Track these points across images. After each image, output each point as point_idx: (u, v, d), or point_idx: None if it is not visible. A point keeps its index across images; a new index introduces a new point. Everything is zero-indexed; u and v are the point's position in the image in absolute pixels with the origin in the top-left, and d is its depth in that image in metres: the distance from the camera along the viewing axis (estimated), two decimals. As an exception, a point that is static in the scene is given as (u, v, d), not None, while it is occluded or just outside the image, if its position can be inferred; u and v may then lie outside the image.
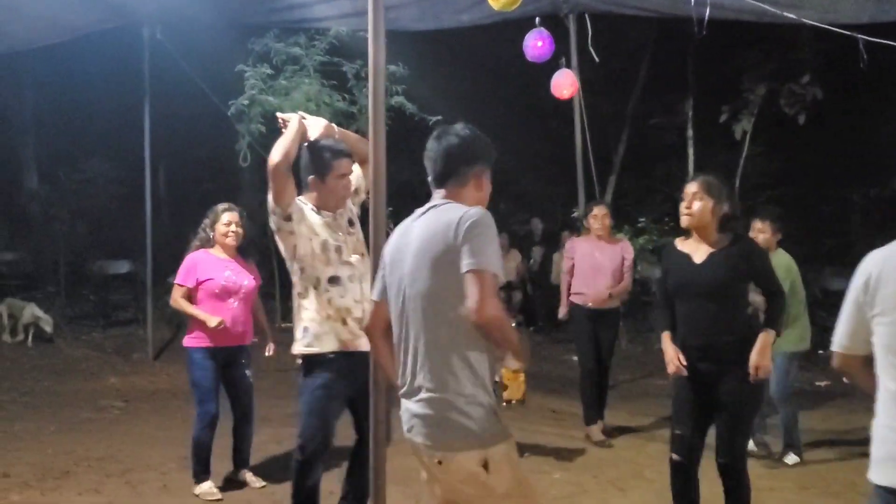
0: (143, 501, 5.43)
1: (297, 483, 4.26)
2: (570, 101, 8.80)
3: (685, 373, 4.40)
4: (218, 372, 5.56)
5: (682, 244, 4.57)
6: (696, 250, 4.46)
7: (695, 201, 4.38)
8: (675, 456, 4.51)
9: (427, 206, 3.02)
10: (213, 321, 5.38)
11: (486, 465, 2.78)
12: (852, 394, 8.13)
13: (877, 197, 13.28)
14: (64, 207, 14.59)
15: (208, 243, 5.67)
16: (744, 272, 4.41)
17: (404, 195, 8.84)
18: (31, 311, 11.12)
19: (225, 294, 5.52)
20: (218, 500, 5.42)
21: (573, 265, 7.18)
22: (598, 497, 5.66)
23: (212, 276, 5.52)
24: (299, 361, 4.24)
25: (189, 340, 5.58)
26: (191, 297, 5.55)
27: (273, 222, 4.19)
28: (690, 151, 11.81)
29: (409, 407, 2.94)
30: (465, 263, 2.73)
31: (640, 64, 12.66)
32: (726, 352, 4.36)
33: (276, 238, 4.23)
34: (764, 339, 4.32)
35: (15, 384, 8.89)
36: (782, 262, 6.12)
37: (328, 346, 4.17)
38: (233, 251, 5.67)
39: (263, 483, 5.69)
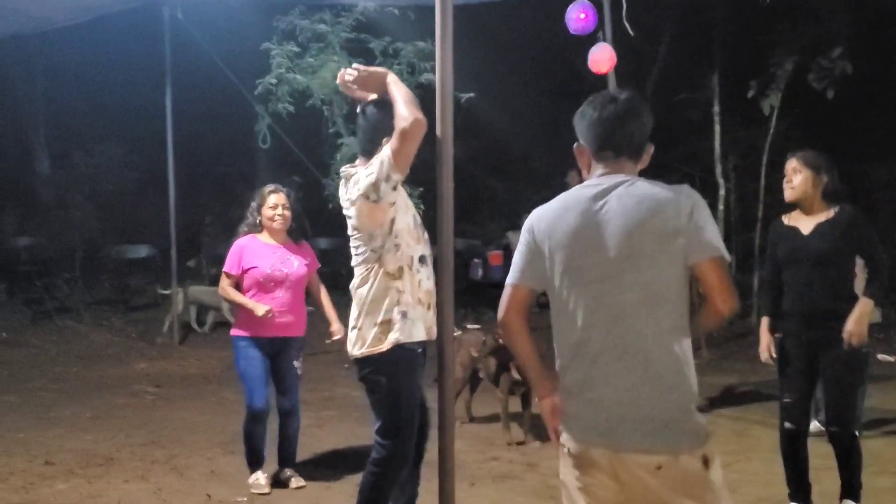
0: (192, 488, 5.30)
1: (375, 496, 3.90)
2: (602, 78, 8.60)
3: (771, 362, 4.54)
4: (265, 362, 5.25)
5: (787, 219, 4.64)
6: (803, 223, 4.53)
7: (795, 175, 4.48)
8: (787, 424, 4.54)
9: (604, 182, 2.60)
10: (260, 310, 5.10)
11: (706, 462, 2.46)
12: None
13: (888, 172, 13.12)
14: (78, 192, 14.46)
15: (256, 228, 5.34)
16: (850, 242, 4.43)
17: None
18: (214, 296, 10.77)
19: (270, 283, 5.21)
20: (265, 493, 5.16)
21: None
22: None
23: (256, 263, 5.21)
24: (384, 349, 3.75)
25: (235, 329, 5.34)
26: (238, 285, 5.27)
27: (380, 191, 3.62)
28: (717, 128, 11.63)
29: (607, 408, 2.51)
30: (705, 249, 2.47)
31: (662, 39, 12.49)
32: (833, 320, 4.37)
33: (363, 210, 3.66)
34: (861, 306, 4.33)
35: (44, 371, 8.79)
36: None
37: (419, 334, 3.78)
38: (282, 236, 5.33)
39: (303, 483, 5.32)
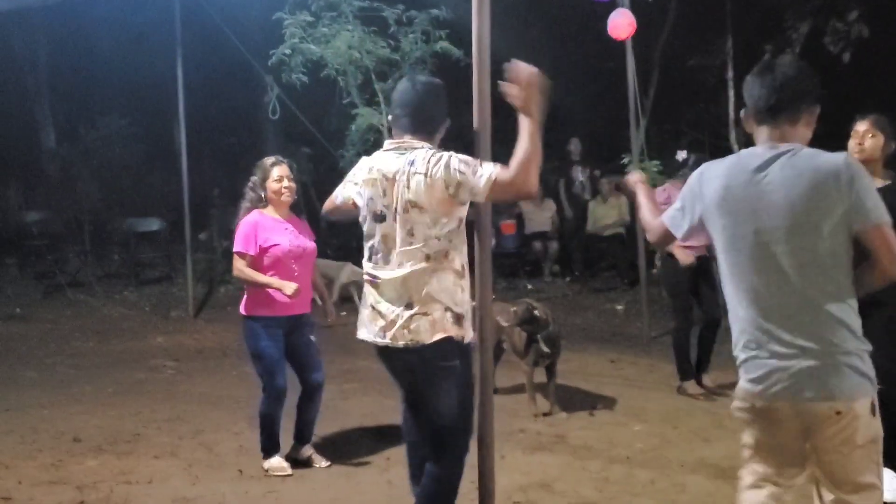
0: (223, 463, 5.28)
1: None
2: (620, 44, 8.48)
3: None
4: (282, 342, 5.10)
5: None
6: None
7: (867, 137, 4.47)
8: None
9: (767, 153, 2.77)
10: (289, 287, 4.90)
11: (873, 409, 2.72)
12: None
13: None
14: (85, 166, 14.38)
15: (260, 203, 5.11)
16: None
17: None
18: (350, 270, 10.54)
19: (290, 259, 5.03)
20: (288, 475, 5.06)
21: None
22: (684, 448, 5.52)
23: (277, 241, 5.01)
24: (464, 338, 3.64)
25: (249, 308, 5.09)
26: (254, 265, 5.03)
27: (461, 193, 3.43)
28: (731, 93, 11.53)
29: (786, 365, 2.73)
30: (868, 217, 2.68)
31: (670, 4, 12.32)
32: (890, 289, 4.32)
33: (435, 193, 3.42)
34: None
35: (60, 347, 8.75)
36: None
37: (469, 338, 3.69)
38: (287, 210, 5.16)
39: (328, 462, 5.24)
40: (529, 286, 11.80)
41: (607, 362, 7.92)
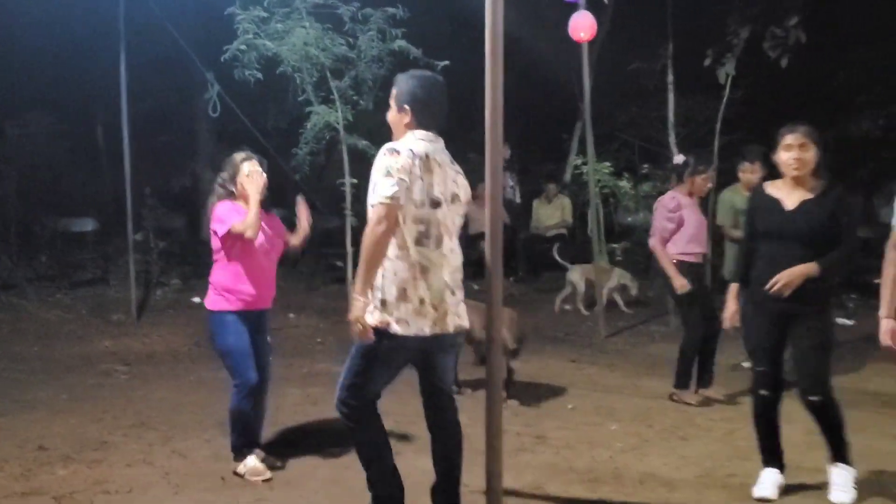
0: (201, 471, 5.09)
1: None
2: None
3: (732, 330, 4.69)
4: (248, 336, 4.95)
5: (771, 188, 4.63)
6: (788, 196, 4.52)
7: (803, 150, 4.44)
8: (763, 391, 4.64)
9: None
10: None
11: None
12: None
13: (832, 139, 13.47)
14: (8, 164, 13.80)
15: (231, 197, 4.96)
16: (834, 225, 4.44)
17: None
18: (618, 274, 10.21)
19: (259, 254, 4.94)
20: (268, 479, 4.90)
21: (682, 223, 6.56)
22: (664, 447, 5.59)
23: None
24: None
25: (217, 302, 4.95)
26: (224, 250, 4.91)
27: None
28: (671, 96, 11.69)
29: None
30: None
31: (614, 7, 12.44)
32: (810, 295, 4.42)
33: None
34: (807, 267, 4.40)
35: (3, 351, 8.36)
36: None
37: None
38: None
39: (281, 463, 5.13)
40: (476, 286, 11.75)
41: (568, 362, 7.97)
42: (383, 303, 3.80)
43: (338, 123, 8.68)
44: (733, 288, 4.78)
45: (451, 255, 3.96)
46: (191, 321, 9.61)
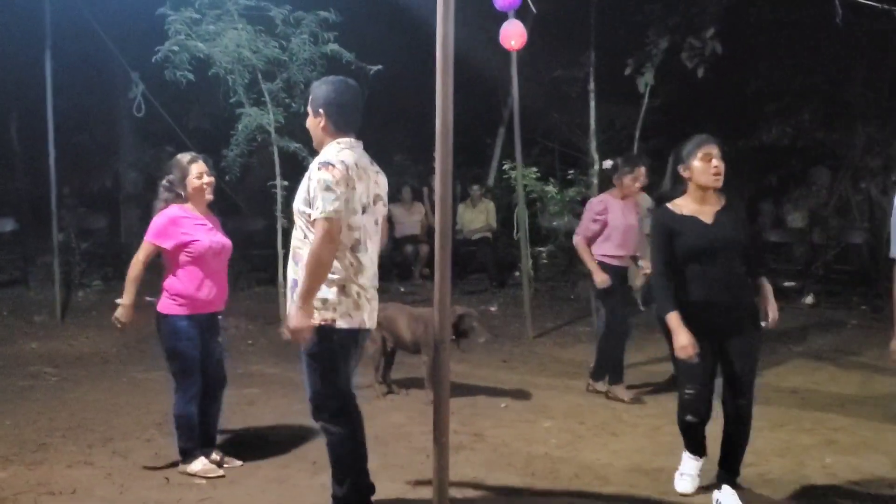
0: (144, 471, 5.12)
1: None
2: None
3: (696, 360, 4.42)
4: (200, 340, 5.01)
5: (678, 206, 4.56)
6: (700, 211, 4.53)
7: (720, 162, 4.49)
8: (690, 417, 4.61)
9: None
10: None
11: None
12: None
13: (744, 147, 13.98)
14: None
15: (178, 200, 4.99)
16: (746, 230, 4.62)
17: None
18: (643, 275, 9.79)
19: (210, 256, 4.97)
20: (220, 475, 4.97)
21: (606, 226, 6.78)
22: (596, 442, 5.80)
23: (197, 237, 4.93)
24: None
25: (170, 307, 4.95)
26: (172, 259, 4.96)
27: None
28: (592, 104, 12.01)
29: None
30: None
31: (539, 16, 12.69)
32: (746, 308, 4.56)
33: None
34: (770, 292, 4.66)
35: (-77, 354, 8.17)
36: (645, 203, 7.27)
37: None
38: (206, 207, 5.10)
39: (240, 462, 5.20)
40: (402, 289, 11.91)
41: (500, 363, 8.14)
42: (324, 301, 3.97)
43: (269, 126, 8.71)
44: (675, 317, 4.42)
45: (373, 256, 4.17)
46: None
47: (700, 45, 11.15)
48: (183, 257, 4.96)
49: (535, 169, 10.95)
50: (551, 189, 10.93)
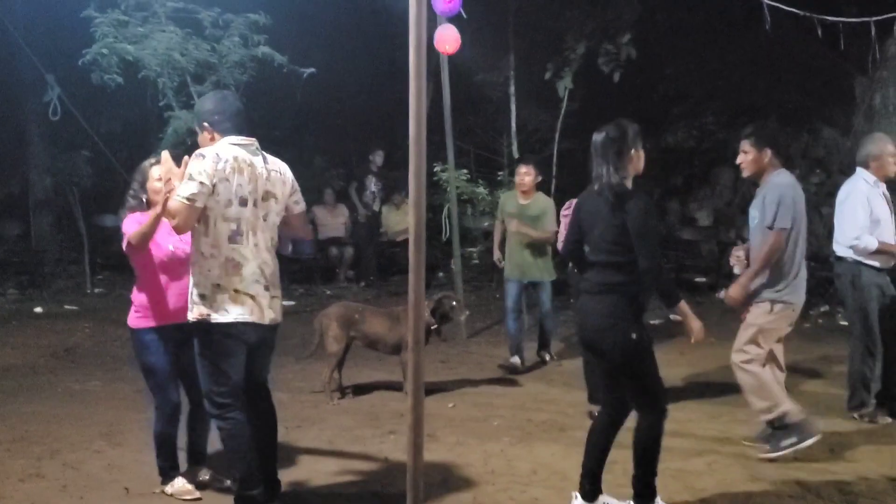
0: (100, 482, 5.02)
1: None
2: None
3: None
4: (172, 354, 4.79)
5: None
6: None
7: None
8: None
9: None
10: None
11: None
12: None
13: (651, 149, 14.44)
14: None
15: (142, 207, 4.81)
16: None
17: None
18: None
19: (174, 262, 4.76)
20: (197, 498, 4.79)
21: None
22: (547, 438, 5.96)
23: (160, 241, 4.70)
24: None
25: (136, 320, 4.76)
26: (137, 263, 4.78)
27: None
28: (513, 107, 12.23)
29: None
30: None
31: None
32: None
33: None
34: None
35: None
36: (545, 202, 7.95)
37: None
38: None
39: (230, 481, 4.78)
40: (328, 292, 11.90)
41: (438, 363, 8.22)
42: (202, 297, 4.20)
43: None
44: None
45: (260, 251, 4.31)
46: (40, 333, 9.35)
47: (615, 50, 11.50)
48: (146, 265, 4.78)
49: (465, 171, 11.09)
50: (482, 191, 11.09)
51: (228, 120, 4.33)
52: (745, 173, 5.66)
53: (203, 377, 4.30)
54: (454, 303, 7.00)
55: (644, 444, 4.44)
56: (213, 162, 4.11)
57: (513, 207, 8.00)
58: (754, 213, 5.53)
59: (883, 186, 6.24)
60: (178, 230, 4.17)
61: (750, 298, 5.45)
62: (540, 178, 8.02)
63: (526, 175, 7.90)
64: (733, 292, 5.48)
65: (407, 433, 5.36)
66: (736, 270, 5.70)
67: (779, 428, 5.37)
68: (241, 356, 4.31)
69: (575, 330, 4.58)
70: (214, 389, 4.28)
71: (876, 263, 6.12)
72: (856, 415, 6.25)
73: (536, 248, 7.85)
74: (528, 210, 7.90)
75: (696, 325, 4.44)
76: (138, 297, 4.81)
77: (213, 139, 4.30)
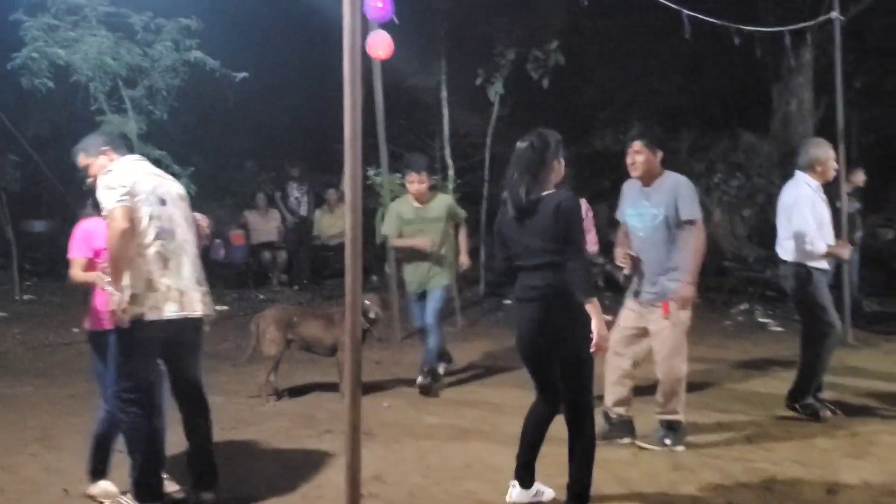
0: (38, 486, 5.04)
1: None
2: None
3: None
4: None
5: None
6: None
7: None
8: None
9: None
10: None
11: None
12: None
13: (579, 153, 14.76)
14: None
15: (97, 213, 4.68)
16: None
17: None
18: None
19: None
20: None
21: None
22: (480, 432, 6.13)
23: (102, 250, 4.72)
24: None
25: (95, 324, 4.77)
26: (90, 269, 4.76)
27: None
28: (445, 111, 12.38)
29: None
30: None
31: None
32: None
33: None
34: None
35: None
36: (444, 198, 7.56)
37: None
38: None
39: (178, 487, 4.88)
40: (261, 296, 11.92)
41: (373, 365, 8.34)
42: (134, 297, 4.32)
43: (132, 133, 8.59)
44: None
45: (188, 246, 4.59)
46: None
47: (544, 57, 11.76)
48: (98, 265, 4.76)
49: (399, 174, 11.16)
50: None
51: (116, 145, 4.74)
52: (636, 174, 5.76)
53: (116, 370, 4.46)
54: (367, 301, 6.87)
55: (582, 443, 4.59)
56: (119, 172, 4.40)
57: (410, 214, 7.37)
58: (656, 211, 5.61)
59: (821, 189, 6.39)
60: (126, 233, 4.27)
61: (661, 297, 5.60)
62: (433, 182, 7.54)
63: (420, 184, 7.25)
64: (686, 293, 5.52)
65: (343, 432, 5.56)
66: (626, 271, 5.86)
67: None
68: (156, 355, 4.53)
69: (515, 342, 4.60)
70: (122, 385, 4.42)
71: (823, 265, 6.29)
72: (797, 405, 6.32)
73: (438, 257, 7.30)
74: (427, 213, 7.34)
75: (602, 331, 4.34)
76: (95, 302, 4.78)
77: (112, 161, 4.58)
